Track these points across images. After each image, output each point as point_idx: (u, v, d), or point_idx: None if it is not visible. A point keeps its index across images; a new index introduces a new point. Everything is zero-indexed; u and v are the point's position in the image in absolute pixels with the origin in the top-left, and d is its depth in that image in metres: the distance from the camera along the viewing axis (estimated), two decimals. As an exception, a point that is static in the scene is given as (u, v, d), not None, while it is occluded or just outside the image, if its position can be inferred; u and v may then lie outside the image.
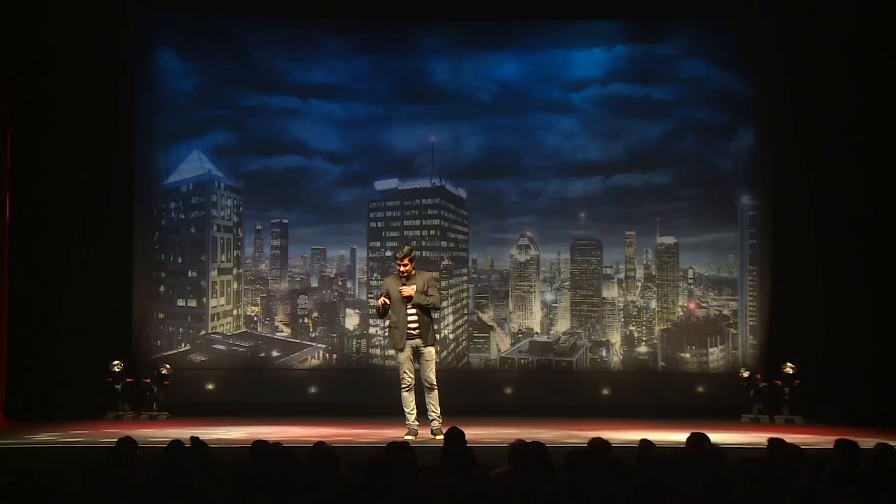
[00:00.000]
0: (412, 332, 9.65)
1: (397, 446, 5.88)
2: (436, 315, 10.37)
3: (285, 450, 5.71)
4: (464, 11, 12.96)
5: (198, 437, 6.25)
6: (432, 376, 9.69)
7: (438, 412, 9.70)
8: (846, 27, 12.15)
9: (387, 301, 9.62)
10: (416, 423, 9.68)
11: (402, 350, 9.69)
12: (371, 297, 13.30)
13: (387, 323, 10.00)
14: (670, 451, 5.56)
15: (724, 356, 13.15)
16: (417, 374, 9.80)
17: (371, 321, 13.24)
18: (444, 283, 13.25)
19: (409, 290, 9.59)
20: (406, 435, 9.49)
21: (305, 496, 4.99)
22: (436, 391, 9.71)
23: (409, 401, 9.72)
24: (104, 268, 12.52)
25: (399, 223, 13.37)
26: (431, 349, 9.74)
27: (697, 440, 6.41)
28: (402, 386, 9.72)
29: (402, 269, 9.63)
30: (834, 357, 12.13)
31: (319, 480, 5.10)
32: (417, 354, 9.71)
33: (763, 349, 12.86)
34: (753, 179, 13.12)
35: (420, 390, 9.78)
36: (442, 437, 9.33)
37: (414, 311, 9.64)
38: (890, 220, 12.02)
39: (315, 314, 13.39)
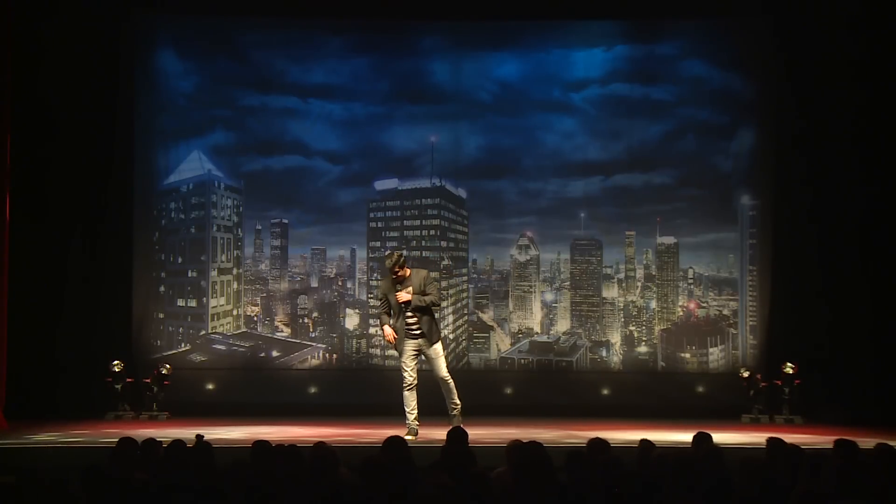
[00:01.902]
0: (413, 332, 9.67)
1: (395, 446, 5.87)
2: (438, 315, 10.35)
3: (288, 449, 5.71)
4: (464, 11, 12.96)
5: (202, 436, 6.25)
6: (444, 372, 9.71)
7: (456, 398, 9.71)
8: (846, 27, 12.14)
9: (395, 336, 9.69)
10: (417, 423, 9.67)
11: (403, 352, 9.70)
12: (371, 298, 13.30)
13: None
14: (670, 451, 5.57)
15: (724, 356, 13.14)
16: (420, 374, 9.79)
17: (371, 321, 13.24)
18: (444, 283, 13.25)
19: (405, 296, 9.58)
20: (406, 435, 9.48)
21: (306, 496, 4.99)
22: (451, 383, 9.73)
23: (410, 400, 9.70)
24: (104, 268, 12.52)
25: (399, 223, 13.37)
26: (437, 346, 9.74)
27: (701, 439, 6.43)
28: (404, 385, 9.70)
29: (395, 276, 9.64)
30: (834, 357, 12.13)
31: (319, 480, 5.10)
32: (423, 353, 9.73)
33: (763, 349, 12.85)
34: (753, 179, 13.11)
35: (437, 389, 9.80)
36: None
37: (411, 312, 9.65)
38: (890, 219, 12.02)
39: (315, 314, 13.39)
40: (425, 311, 9.67)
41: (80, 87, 12.32)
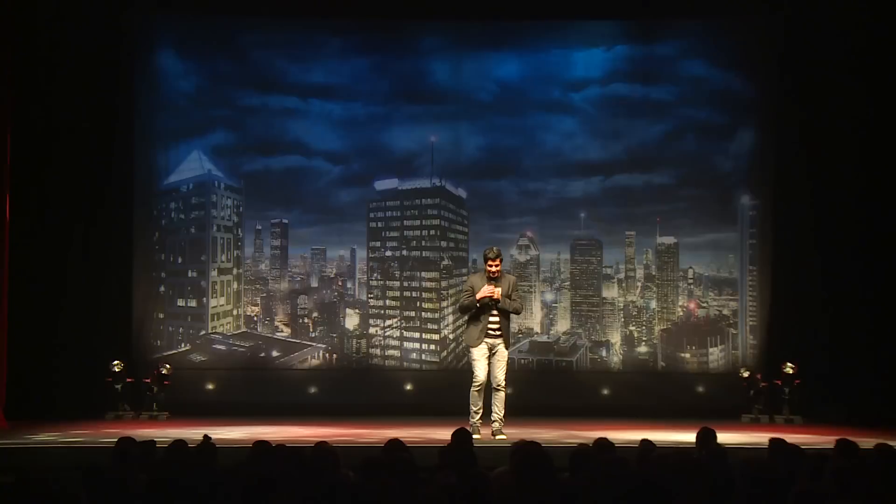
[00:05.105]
0: (492, 332, 9.74)
1: (395, 446, 5.88)
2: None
3: (287, 450, 5.71)
4: (464, 11, 12.96)
5: (209, 436, 6.25)
6: (502, 376, 9.78)
7: (502, 414, 9.77)
8: (846, 27, 12.15)
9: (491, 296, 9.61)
10: (480, 422, 9.68)
11: (477, 347, 9.71)
12: (371, 297, 13.30)
13: (465, 318, 10.08)
14: (670, 451, 5.56)
15: (724, 356, 13.14)
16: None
17: (371, 321, 13.24)
18: (444, 283, 13.25)
19: (498, 292, 9.64)
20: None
21: (306, 496, 4.98)
22: (503, 393, 9.80)
23: (477, 399, 9.74)
24: (104, 267, 12.52)
25: (399, 223, 13.36)
26: (507, 351, 9.86)
27: (706, 437, 6.42)
28: (474, 384, 9.73)
29: (493, 269, 9.68)
30: (834, 357, 12.13)
31: (319, 480, 5.10)
32: (492, 354, 9.77)
33: (763, 349, 12.86)
34: (753, 179, 13.11)
35: (488, 391, 9.81)
36: (503, 437, 9.40)
37: (496, 312, 9.71)
38: (890, 219, 12.02)
39: (315, 314, 13.39)
40: (506, 316, 9.80)
41: (80, 86, 12.32)
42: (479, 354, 9.74)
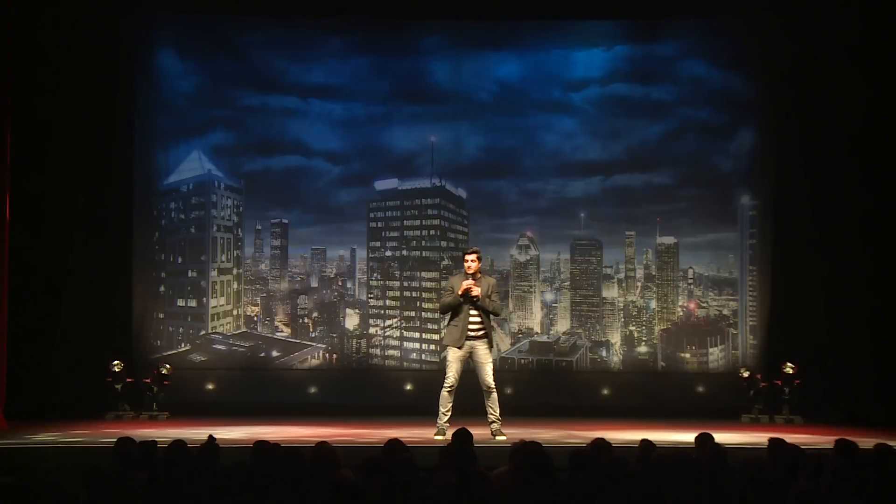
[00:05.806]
0: (472, 332, 9.66)
1: (395, 446, 5.88)
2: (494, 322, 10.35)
3: (287, 450, 5.71)
4: (464, 11, 12.97)
5: (213, 437, 6.26)
6: (489, 379, 9.69)
7: (498, 413, 9.69)
8: (846, 27, 12.14)
9: (464, 294, 9.56)
10: (447, 424, 9.60)
11: (459, 348, 9.66)
12: (371, 297, 13.31)
13: (445, 318, 10.06)
14: (670, 451, 5.56)
15: (724, 356, 13.15)
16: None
17: (371, 321, 13.24)
18: (443, 283, 13.24)
19: (477, 290, 9.59)
20: (435, 434, 9.51)
21: (306, 496, 4.99)
22: (495, 394, 9.71)
23: (446, 401, 9.67)
24: (104, 268, 12.52)
25: (399, 223, 13.37)
26: (490, 352, 9.77)
27: (705, 440, 6.44)
28: (445, 385, 9.68)
29: (470, 264, 9.61)
30: (834, 357, 12.13)
31: (319, 480, 5.10)
32: (473, 357, 9.71)
33: (763, 349, 12.86)
34: (753, 179, 13.12)
35: (479, 394, 9.77)
36: (503, 437, 9.39)
37: (476, 312, 9.65)
38: (890, 219, 12.02)
39: (315, 314, 13.39)
40: (486, 316, 9.72)
41: (80, 87, 12.31)
42: (453, 356, 9.69)
